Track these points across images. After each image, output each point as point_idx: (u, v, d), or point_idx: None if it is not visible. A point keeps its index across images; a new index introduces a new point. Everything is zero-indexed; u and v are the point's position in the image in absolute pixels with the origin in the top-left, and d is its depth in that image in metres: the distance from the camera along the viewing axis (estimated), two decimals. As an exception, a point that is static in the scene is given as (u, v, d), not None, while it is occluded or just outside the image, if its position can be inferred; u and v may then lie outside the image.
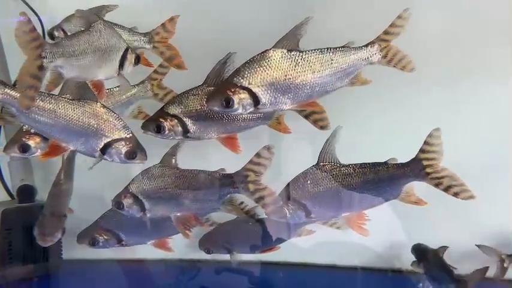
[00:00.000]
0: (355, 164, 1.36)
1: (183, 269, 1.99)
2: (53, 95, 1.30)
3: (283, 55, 1.24)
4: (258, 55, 1.25)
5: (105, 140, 1.30)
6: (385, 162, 1.36)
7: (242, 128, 1.45)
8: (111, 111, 1.32)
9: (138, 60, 1.44)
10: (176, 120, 1.39)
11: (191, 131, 1.40)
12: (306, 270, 1.90)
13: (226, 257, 1.87)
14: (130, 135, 1.31)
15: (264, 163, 1.37)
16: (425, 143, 1.30)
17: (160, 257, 1.96)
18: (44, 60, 1.18)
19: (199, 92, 1.40)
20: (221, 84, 1.33)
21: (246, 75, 1.23)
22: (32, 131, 1.44)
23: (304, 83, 1.24)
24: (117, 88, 1.59)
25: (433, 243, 1.69)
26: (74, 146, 1.32)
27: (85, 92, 1.32)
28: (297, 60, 1.24)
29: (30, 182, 1.92)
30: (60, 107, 1.28)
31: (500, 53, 1.67)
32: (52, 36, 1.56)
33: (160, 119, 1.39)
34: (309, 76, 1.24)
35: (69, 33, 1.52)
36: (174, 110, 1.40)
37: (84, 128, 1.29)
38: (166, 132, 1.39)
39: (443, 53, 1.68)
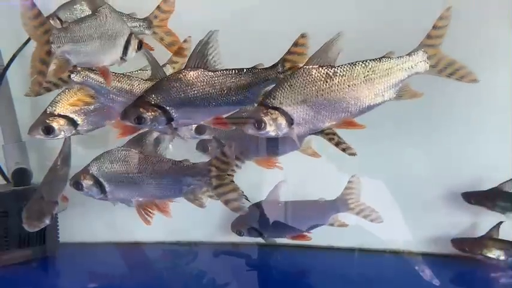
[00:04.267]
0: None
1: (179, 252, 2.00)
2: (128, 75, 1.39)
3: (315, 72, 1.20)
4: (288, 74, 1.23)
5: None
6: None
7: (229, 110, 1.37)
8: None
9: (140, 45, 1.42)
10: (159, 111, 1.29)
11: (175, 119, 1.31)
12: (305, 252, 1.93)
13: (222, 239, 1.94)
14: None
15: (228, 162, 1.33)
16: None
17: (157, 239, 1.99)
18: (52, 45, 1.17)
19: (182, 77, 1.29)
20: (255, 108, 1.29)
21: (277, 96, 1.20)
22: (56, 113, 1.44)
23: (338, 99, 1.19)
24: (138, 71, 1.56)
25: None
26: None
27: (157, 70, 1.38)
28: (330, 75, 1.19)
29: (25, 165, 1.89)
30: (135, 87, 1.38)
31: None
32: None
33: (141, 109, 1.28)
34: (344, 92, 1.19)
35: (64, 22, 1.47)
36: (156, 99, 1.29)
37: None
38: (148, 123, 1.29)
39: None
